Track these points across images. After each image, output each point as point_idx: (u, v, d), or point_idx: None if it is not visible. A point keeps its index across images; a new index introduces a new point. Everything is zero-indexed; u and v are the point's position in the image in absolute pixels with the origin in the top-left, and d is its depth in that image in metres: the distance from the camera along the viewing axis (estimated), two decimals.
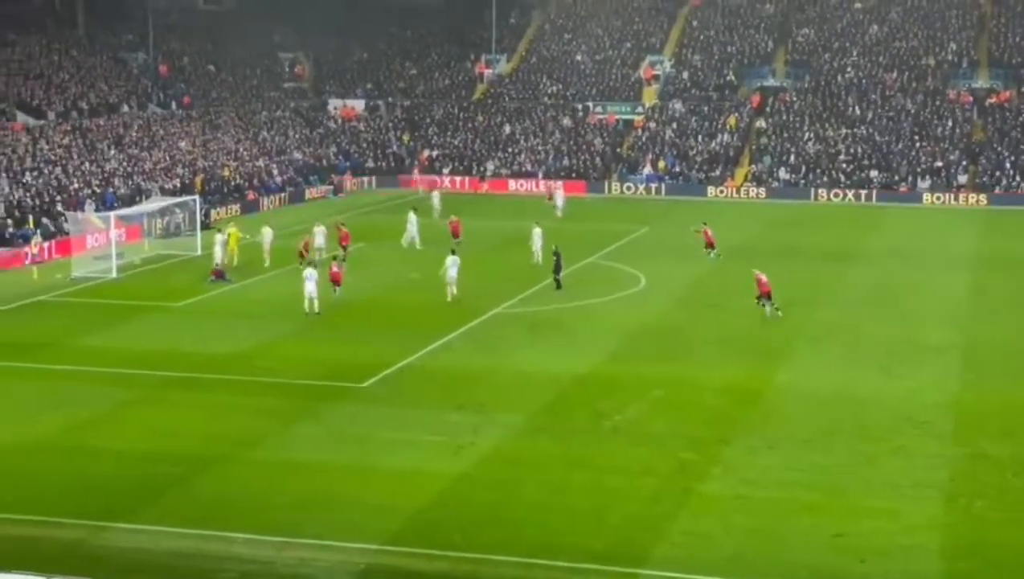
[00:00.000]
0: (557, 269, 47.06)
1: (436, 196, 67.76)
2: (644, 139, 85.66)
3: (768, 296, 42.58)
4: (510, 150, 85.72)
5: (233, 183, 73.02)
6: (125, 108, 77.68)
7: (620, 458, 28.65)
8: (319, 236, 53.74)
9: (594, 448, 29.43)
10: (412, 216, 56.93)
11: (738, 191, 79.48)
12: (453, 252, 46.58)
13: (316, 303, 42.43)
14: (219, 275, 48.81)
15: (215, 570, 22.21)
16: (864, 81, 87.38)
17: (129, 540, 24.02)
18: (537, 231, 52.46)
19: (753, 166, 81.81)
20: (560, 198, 67.97)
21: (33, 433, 30.16)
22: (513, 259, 49.67)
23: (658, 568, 22.66)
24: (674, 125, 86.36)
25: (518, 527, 24.66)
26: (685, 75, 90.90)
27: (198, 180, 69.86)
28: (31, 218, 56.65)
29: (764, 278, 42.82)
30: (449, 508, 25.87)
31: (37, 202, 58.97)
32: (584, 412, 32.29)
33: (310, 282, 42.35)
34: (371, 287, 47.48)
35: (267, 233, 52.79)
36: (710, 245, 54.62)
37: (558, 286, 46.78)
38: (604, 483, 27.08)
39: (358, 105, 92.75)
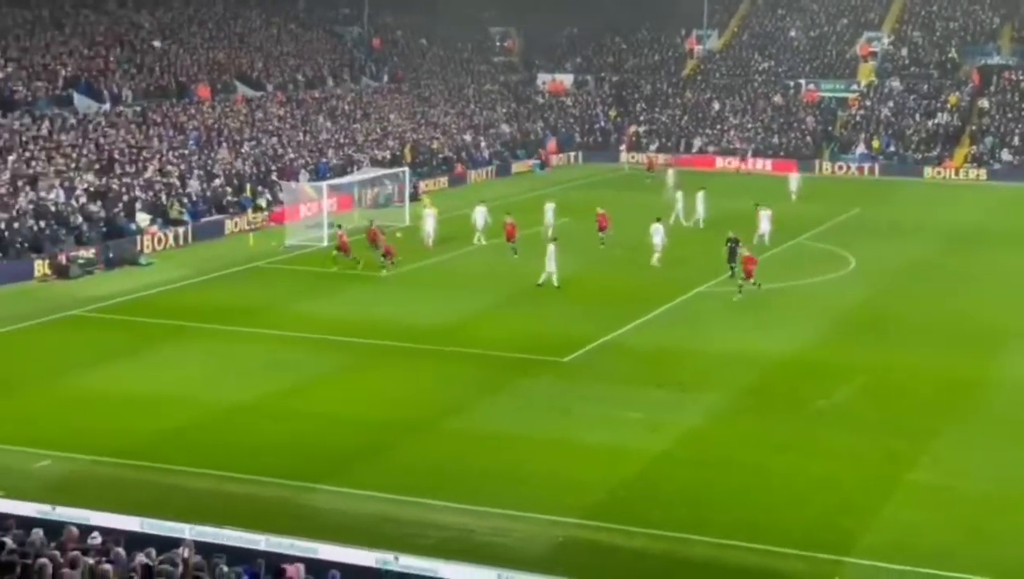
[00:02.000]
0: (731, 258, 44.40)
1: (671, 173, 66.92)
2: (858, 118, 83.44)
3: (750, 274, 41.84)
4: (718, 127, 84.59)
5: (441, 155, 74.01)
6: (339, 81, 79.53)
7: (824, 443, 28.02)
8: (549, 213, 53.17)
9: (797, 432, 28.86)
10: (701, 194, 56.00)
11: (957, 172, 76.69)
12: (659, 219, 46.89)
13: (555, 277, 42.68)
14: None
15: (414, 535, 22.53)
16: None
17: (332, 502, 24.63)
18: (765, 213, 51.39)
19: (974, 147, 78.80)
20: (795, 181, 65.92)
21: (247, 395, 31.18)
22: (724, 237, 48.71)
23: (862, 557, 22.08)
24: (890, 104, 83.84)
25: (717, 508, 24.37)
26: (904, 52, 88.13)
27: (408, 151, 71.00)
28: (248, 187, 58.53)
29: (754, 257, 42.56)
30: (647, 485, 25.74)
31: (254, 171, 60.88)
32: (787, 395, 31.69)
33: (550, 259, 42.64)
34: (575, 263, 47.30)
35: (480, 211, 51.97)
36: (601, 228, 51.25)
37: (732, 275, 44.23)
38: (807, 468, 26.53)
39: (566, 80, 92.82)
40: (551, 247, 43.35)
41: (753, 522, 23.57)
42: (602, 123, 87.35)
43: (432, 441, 28.20)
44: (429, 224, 50.98)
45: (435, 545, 21.73)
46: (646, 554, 22.45)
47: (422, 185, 66.59)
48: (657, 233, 46.65)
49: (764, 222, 50.98)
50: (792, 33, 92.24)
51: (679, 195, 56.67)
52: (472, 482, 25.54)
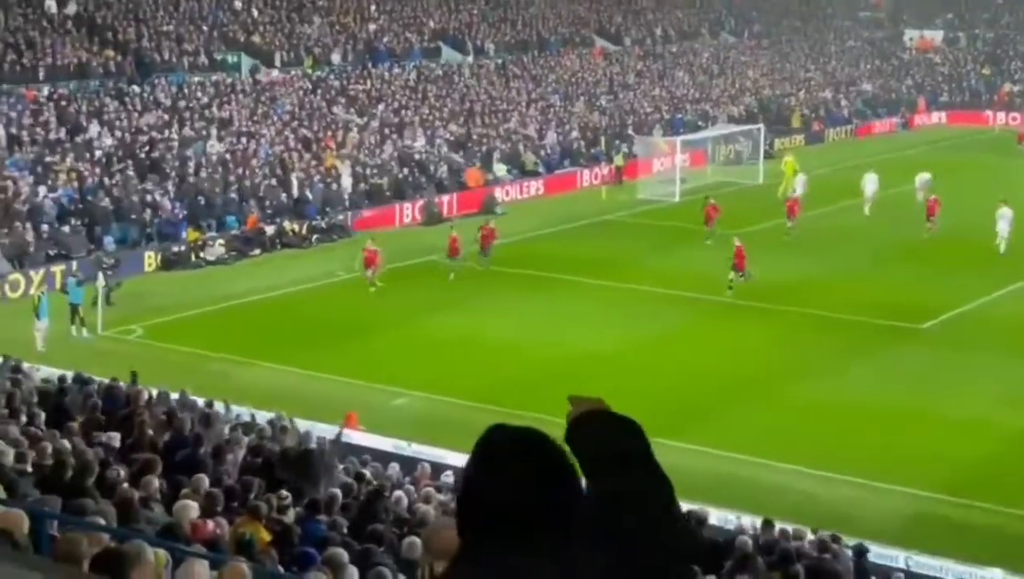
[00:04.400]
0: None
1: None
2: None
3: (736, 268, 36.73)
4: None
5: (799, 113, 72.30)
6: (699, 35, 78.95)
7: None
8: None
9: None
10: None
11: None
12: (1005, 201, 43.81)
13: (1004, 244, 41.29)
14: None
15: (754, 497, 22.12)
16: None
17: (669, 457, 24.39)
18: None
19: None
20: None
21: (592, 346, 31.48)
22: None
23: None
24: None
25: None
26: None
27: (796, 115, 69.75)
28: (602, 140, 59.02)
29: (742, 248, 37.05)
30: (1006, 463, 24.53)
31: (609, 124, 61.31)
32: None
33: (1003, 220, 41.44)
34: (940, 225, 45.02)
35: (870, 178, 49.12)
36: (931, 215, 44.80)
37: None
38: None
39: (936, 36, 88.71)
40: (1006, 210, 41.46)
41: None
42: (972, 82, 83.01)
43: (779, 403, 27.72)
44: (799, 189, 49.39)
45: (777, 508, 21.32)
46: (1001, 533, 21.38)
47: (777, 143, 65.24)
48: (1003, 219, 42.88)
49: None
50: None
51: None
52: (819, 448, 24.93)
